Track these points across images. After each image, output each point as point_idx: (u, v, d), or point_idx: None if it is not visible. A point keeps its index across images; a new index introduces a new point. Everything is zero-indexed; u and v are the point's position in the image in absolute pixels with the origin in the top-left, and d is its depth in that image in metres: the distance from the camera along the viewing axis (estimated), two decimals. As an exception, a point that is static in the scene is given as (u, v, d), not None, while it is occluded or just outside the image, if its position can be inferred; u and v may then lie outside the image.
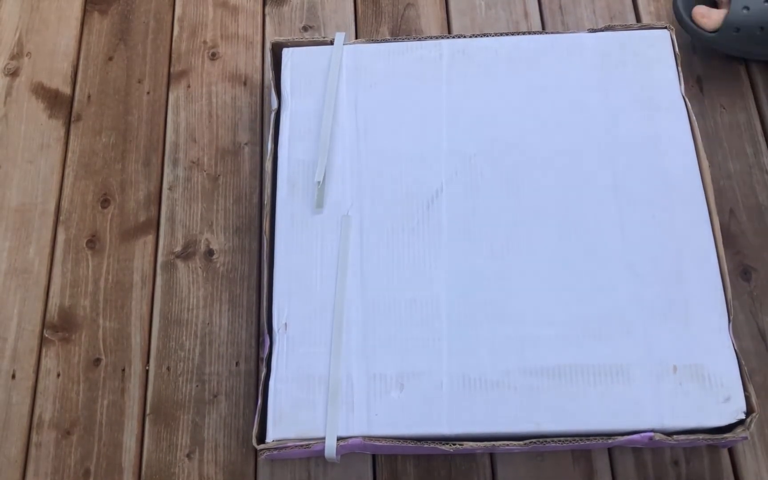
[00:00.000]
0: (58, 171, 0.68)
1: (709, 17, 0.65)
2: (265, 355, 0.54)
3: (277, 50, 0.65)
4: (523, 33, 0.66)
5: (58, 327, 0.62)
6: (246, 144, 0.69)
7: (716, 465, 0.56)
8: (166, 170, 0.68)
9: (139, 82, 0.72)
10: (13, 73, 0.72)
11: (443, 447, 0.51)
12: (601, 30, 0.64)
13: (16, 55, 0.73)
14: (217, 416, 0.58)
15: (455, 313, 0.54)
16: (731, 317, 0.54)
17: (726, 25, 0.66)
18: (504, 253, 0.56)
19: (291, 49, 0.64)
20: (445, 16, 0.74)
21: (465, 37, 0.64)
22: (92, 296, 0.63)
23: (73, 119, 0.70)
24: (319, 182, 0.57)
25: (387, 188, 0.59)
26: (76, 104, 0.71)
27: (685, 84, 0.62)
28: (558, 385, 0.52)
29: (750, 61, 0.70)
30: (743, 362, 0.53)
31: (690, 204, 0.57)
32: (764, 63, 0.68)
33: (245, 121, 0.70)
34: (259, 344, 0.61)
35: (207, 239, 0.65)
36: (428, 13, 0.74)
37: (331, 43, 0.65)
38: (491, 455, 0.57)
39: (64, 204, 0.67)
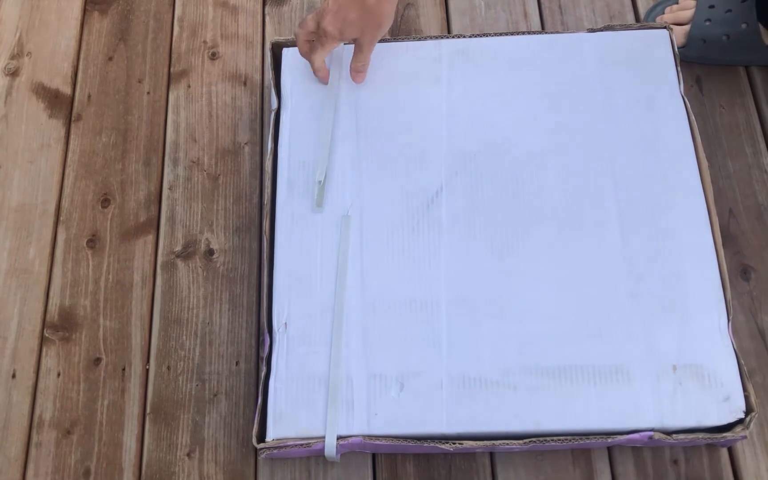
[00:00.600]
0: (59, 171, 0.68)
1: (673, 32, 0.65)
2: (265, 354, 0.54)
3: (277, 50, 0.65)
4: (523, 33, 0.66)
5: (59, 327, 0.62)
6: (246, 144, 0.69)
7: (716, 464, 0.56)
8: (167, 170, 0.68)
9: (139, 82, 0.72)
10: (14, 73, 0.72)
11: (443, 446, 0.51)
12: (601, 30, 0.64)
13: (17, 55, 0.73)
14: (217, 415, 0.58)
15: (455, 313, 0.55)
16: (731, 317, 0.54)
17: (691, 38, 0.67)
18: (504, 253, 0.56)
19: (291, 49, 0.64)
20: (445, 16, 0.74)
21: (465, 37, 0.64)
22: (92, 296, 0.63)
23: (73, 119, 0.70)
24: (320, 181, 0.57)
25: (387, 188, 0.59)
26: (76, 104, 0.71)
27: (684, 84, 0.62)
28: (558, 385, 0.52)
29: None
30: (743, 362, 0.53)
31: (689, 204, 0.57)
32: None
33: (245, 121, 0.70)
34: (259, 344, 0.61)
35: (207, 239, 0.65)
36: (428, 13, 0.74)
37: (331, 43, 0.65)
38: (491, 454, 0.57)
39: (65, 204, 0.67)
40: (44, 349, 0.61)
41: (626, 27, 0.64)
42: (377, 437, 0.51)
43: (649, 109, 0.60)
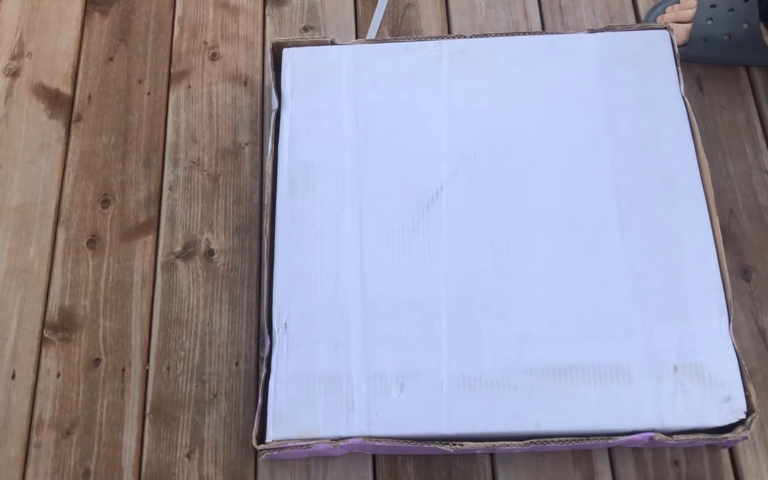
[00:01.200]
0: (59, 171, 0.68)
1: (675, 32, 0.65)
2: (265, 354, 0.54)
3: (277, 50, 0.65)
4: (523, 33, 0.66)
5: (58, 327, 0.62)
6: (246, 144, 0.69)
7: (716, 465, 0.56)
8: (167, 170, 0.68)
9: (140, 82, 0.72)
10: (14, 74, 0.72)
11: (443, 447, 0.51)
12: (601, 30, 0.64)
13: (17, 55, 0.73)
14: (217, 416, 0.58)
15: (455, 313, 0.54)
16: (731, 317, 0.54)
17: (693, 37, 0.67)
18: (504, 253, 0.56)
19: (291, 49, 0.64)
20: (445, 16, 0.74)
21: (465, 37, 0.64)
22: (92, 296, 0.63)
23: (73, 119, 0.70)
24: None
25: (387, 188, 0.59)
26: (76, 104, 0.71)
27: (684, 84, 0.62)
28: (558, 385, 0.52)
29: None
30: (743, 362, 0.53)
31: (690, 204, 0.57)
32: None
33: (245, 121, 0.70)
34: (259, 344, 0.61)
35: (207, 239, 0.65)
36: (428, 13, 0.74)
37: (332, 43, 0.65)
38: (491, 455, 0.57)
39: (65, 204, 0.67)
40: (44, 350, 0.61)
41: (626, 27, 0.64)
42: (377, 438, 0.51)
43: (649, 109, 0.60)
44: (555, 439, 0.51)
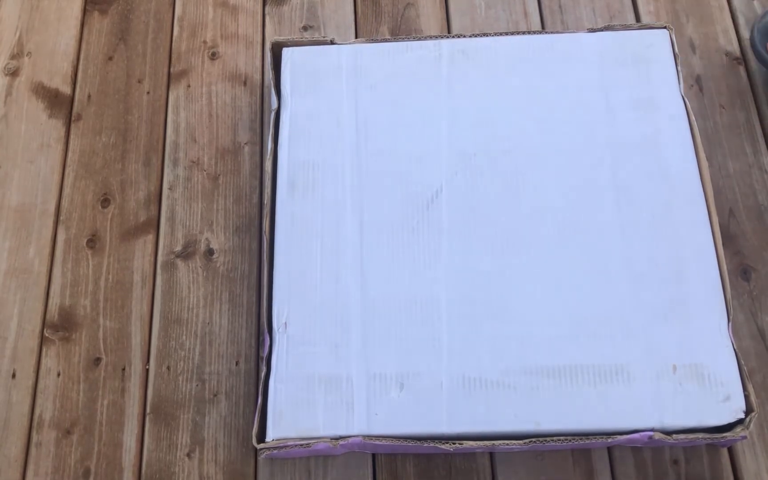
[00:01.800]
0: (58, 171, 0.68)
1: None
2: (265, 354, 0.54)
3: (277, 50, 0.65)
4: (523, 33, 0.66)
5: (59, 326, 0.62)
6: (246, 144, 0.69)
7: (716, 464, 0.56)
8: (166, 170, 0.68)
9: (139, 82, 0.72)
10: (14, 73, 0.72)
11: (443, 446, 0.51)
12: (601, 30, 0.64)
13: (17, 54, 0.73)
14: (217, 416, 0.58)
15: (455, 313, 0.54)
16: (731, 317, 0.54)
17: None
18: (504, 253, 0.56)
19: (291, 48, 0.64)
20: (444, 16, 0.74)
21: (465, 37, 0.64)
22: (92, 296, 0.63)
23: (73, 119, 0.70)
24: None
25: (387, 188, 0.59)
26: (76, 104, 0.71)
27: (684, 84, 0.62)
28: (558, 385, 0.52)
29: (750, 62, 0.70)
30: (743, 362, 0.53)
31: (689, 204, 0.57)
32: (764, 63, 0.68)
33: (245, 121, 0.70)
34: (259, 344, 0.61)
35: (207, 239, 0.65)
36: (428, 13, 0.74)
37: (331, 42, 0.65)
38: (491, 455, 0.57)
39: (64, 204, 0.67)
40: (44, 349, 0.61)
41: (626, 27, 0.64)
42: (377, 437, 0.51)
43: (649, 109, 0.60)
44: (555, 439, 0.51)
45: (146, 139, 0.69)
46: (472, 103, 0.61)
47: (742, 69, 0.70)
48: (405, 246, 0.57)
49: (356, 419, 0.52)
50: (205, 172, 0.67)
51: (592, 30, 0.64)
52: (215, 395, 0.59)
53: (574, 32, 0.65)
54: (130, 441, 0.58)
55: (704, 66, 0.70)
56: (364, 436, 0.51)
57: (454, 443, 0.51)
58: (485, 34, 0.65)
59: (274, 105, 0.63)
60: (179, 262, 0.64)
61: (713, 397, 0.52)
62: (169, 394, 0.59)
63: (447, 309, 0.55)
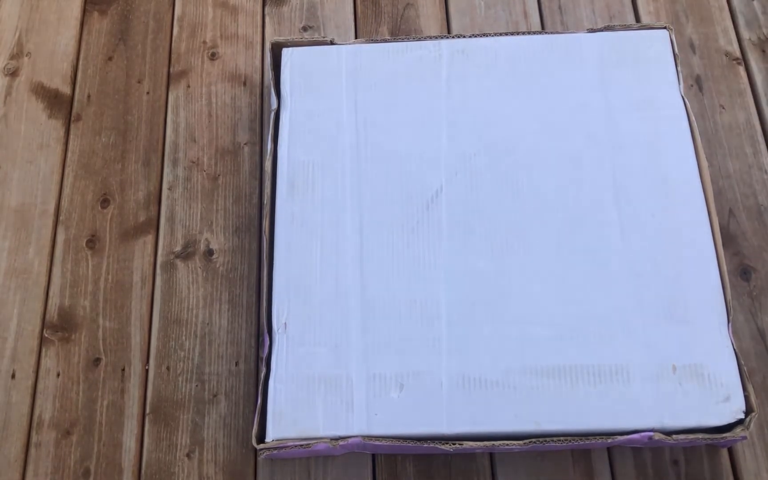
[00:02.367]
0: (58, 171, 0.68)
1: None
2: (264, 354, 0.54)
3: (276, 50, 0.65)
4: (523, 33, 0.66)
5: (58, 327, 0.62)
6: (246, 144, 0.69)
7: (716, 465, 0.56)
8: (166, 170, 0.68)
9: (139, 82, 0.72)
10: (13, 73, 0.72)
11: (443, 446, 0.51)
12: (601, 30, 0.64)
13: (16, 55, 0.73)
14: (217, 416, 0.58)
15: (455, 313, 0.54)
16: (731, 317, 0.54)
17: None
18: (504, 253, 0.56)
19: (291, 49, 0.64)
20: (444, 16, 0.74)
21: (465, 37, 0.64)
22: (92, 296, 0.63)
23: (72, 119, 0.70)
24: None
25: (387, 188, 0.59)
26: (75, 104, 0.71)
27: (684, 84, 0.62)
28: (558, 385, 0.52)
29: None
30: (743, 362, 0.53)
31: (689, 204, 0.57)
32: (764, 63, 0.68)
33: (245, 121, 0.70)
34: (259, 344, 0.61)
35: (207, 239, 0.65)
36: (428, 13, 0.74)
37: (331, 42, 0.65)
38: (491, 455, 0.57)
39: (64, 204, 0.67)
40: (44, 350, 0.61)
41: (626, 27, 0.64)
42: (377, 438, 0.51)
43: (649, 109, 0.60)
44: (554, 439, 0.51)
45: (146, 140, 0.69)
46: (472, 103, 0.61)
47: (742, 69, 0.70)
48: (405, 246, 0.57)
49: (356, 419, 0.52)
50: (204, 172, 0.67)
51: (592, 30, 0.64)
52: (215, 396, 0.59)
53: (574, 32, 0.65)
54: (129, 441, 0.58)
55: (704, 66, 0.70)
56: (364, 437, 0.51)
57: (454, 443, 0.51)
58: (485, 34, 0.65)
59: (274, 105, 0.63)
60: (179, 263, 0.64)
61: (713, 398, 0.52)
62: (169, 395, 0.59)
63: (447, 309, 0.55)
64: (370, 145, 0.60)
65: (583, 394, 0.52)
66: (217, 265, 0.64)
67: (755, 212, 0.64)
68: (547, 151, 0.59)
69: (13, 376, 0.60)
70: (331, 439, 0.51)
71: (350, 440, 0.51)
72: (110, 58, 0.73)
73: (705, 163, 0.58)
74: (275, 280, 0.56)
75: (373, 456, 0.57)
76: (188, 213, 0.66)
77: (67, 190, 0.67)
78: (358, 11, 0.75)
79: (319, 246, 0.57)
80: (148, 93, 0.71)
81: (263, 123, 0.69)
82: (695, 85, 0.69)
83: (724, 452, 0.56)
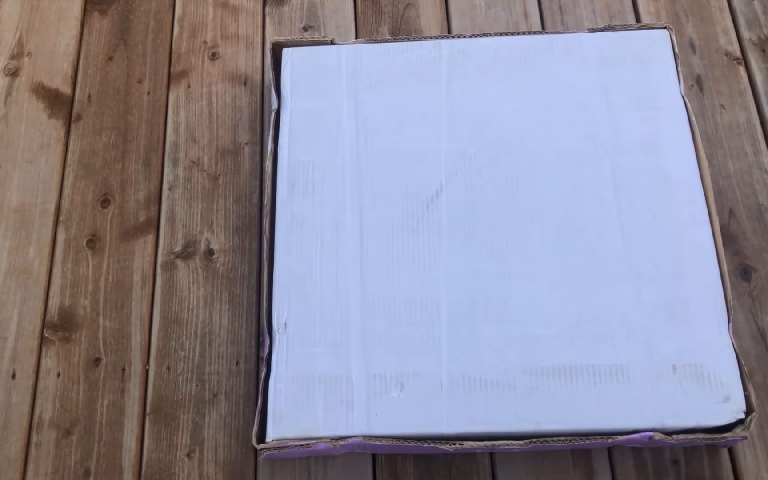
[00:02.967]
0: (58, 171, 0.68)
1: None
2: (265, 354, 0.54)
3: (277, 50, 0.65)
4: (523, 33, 0.66)
5: (58, 327, 0.62)
6: (246, 144, 0.69)
7: (716, 464, 0.56)
8: (166, 170, 0.68)
9: (139, 82, 0.72)
10: (14, 73, 0.72)
11: (443, 446, 0.51)
12: (601, 30, 0.64)
13: (17, 55, 0.73)
14: (217, 416, 0.58)
15: (455, 313, 0.54)
16: (731, 317, 0.54)
17: None
18: (504, 253, 0.56)
19: (291, 49, 0.64)
20: (445, 16, 0.74)
21: (465, 37, 0.64)
22: (92, 296, 0.63)
23: (73, 119, 0.70)
24: None
25: (387, 188, 0.59)
26: (76, 104, 0.71)
27: (684, 84, 0.62)
28: (558, 385, 0.52)
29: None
30: (743, 362, 0.53)
31: (690, 204, 0.57)
32: (764, 63, 0.68)
33: (245, 121, 0.70)
34: (259, 344, 0.61)
35: (207, 239, 0.65)
36: (428, 13, 0.74)
37: (331, 42, 0.65)
38: (491, 455, 0.57)
39: (64, 204, 0.67)
40: (44, 349, 0.61)
41: (626, 27, 0.64)
42: (377, 438, 0.51)
43: (649, 109, 0.60)
44: (554, 439, 0.51)
45: (146, 140, 0.69)
46: (472, 103, 0.61)
47: (742, 69, 0.70)
48: (405, 246, 0.57)
49: (356, 419, 0.52)
50: (205, 173, 0.67)
51: (593, 30, 0.64)
52: (215, 395, 0.59)
53: (574, 32, 0.65)
54: (130, 441, 0.58)
55: (704, 66, 0.70)
56: (364, 437, 0.51)
57: (454, 443, 0.51)
58: (485, 34, 0.65)
59: (274, 105, 0.63)
60: (179, 263, 0.64)
61: (713, 398, 0.52)
62: (169, 395, 0.59)
63: (447, 309, 0.55)
64: (370, 145, 0.60)
65: (583, 394, 0.52)
66: (218, 265, 0.64)
67: (755, 212, 0.64)
68: (547, 150, 0.59)
69: (13, 376, 0.60)
70: (332, 439, 0.51)
71: (350, 440, 0.51)
72: (111, 58, 0.73)
73: (705, 163, 0.58)
74: (275, 279, 0.56)
75: (374, 456, 0.57)
76: (188, 213, 0.66)
77: (67, 190, 0.67)
78: (358, 11, 0.75)
79: (319, 246, 0.57)
80: (148, 93, 0.71)
81: (263, 123, 0.70)
82: (695, 85, 0.69)
83: (725, 452, 0.56)
